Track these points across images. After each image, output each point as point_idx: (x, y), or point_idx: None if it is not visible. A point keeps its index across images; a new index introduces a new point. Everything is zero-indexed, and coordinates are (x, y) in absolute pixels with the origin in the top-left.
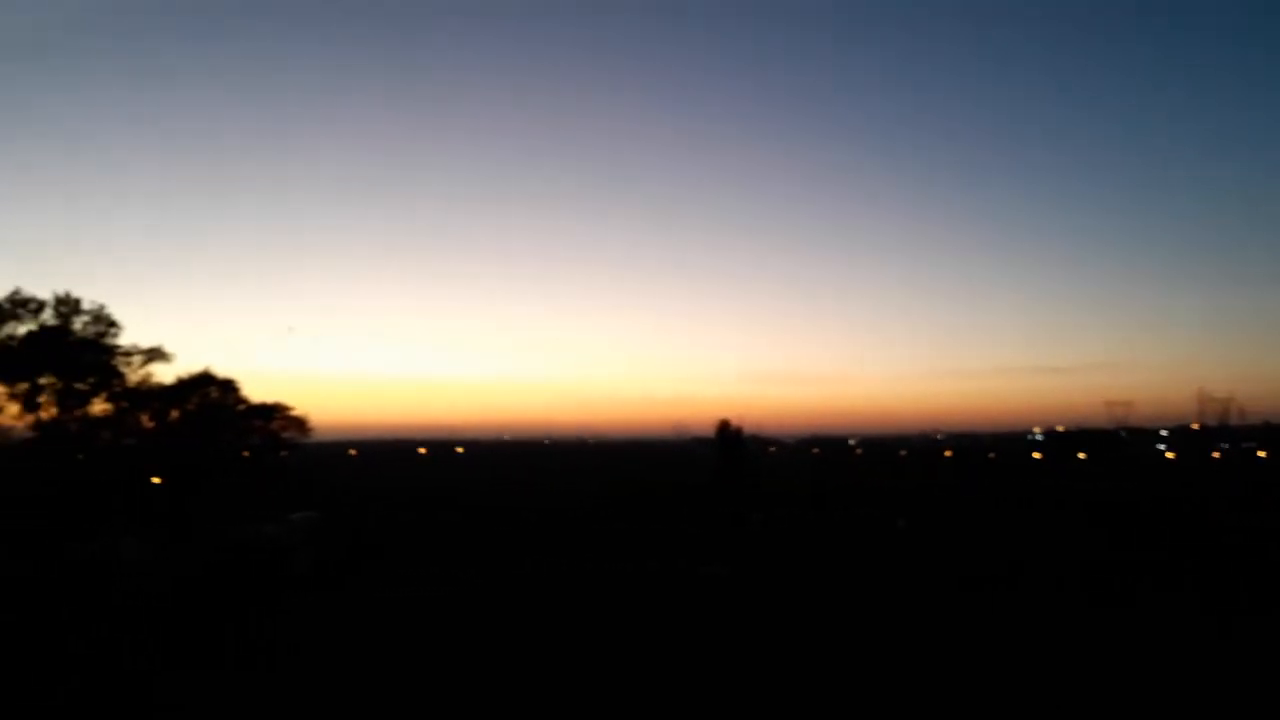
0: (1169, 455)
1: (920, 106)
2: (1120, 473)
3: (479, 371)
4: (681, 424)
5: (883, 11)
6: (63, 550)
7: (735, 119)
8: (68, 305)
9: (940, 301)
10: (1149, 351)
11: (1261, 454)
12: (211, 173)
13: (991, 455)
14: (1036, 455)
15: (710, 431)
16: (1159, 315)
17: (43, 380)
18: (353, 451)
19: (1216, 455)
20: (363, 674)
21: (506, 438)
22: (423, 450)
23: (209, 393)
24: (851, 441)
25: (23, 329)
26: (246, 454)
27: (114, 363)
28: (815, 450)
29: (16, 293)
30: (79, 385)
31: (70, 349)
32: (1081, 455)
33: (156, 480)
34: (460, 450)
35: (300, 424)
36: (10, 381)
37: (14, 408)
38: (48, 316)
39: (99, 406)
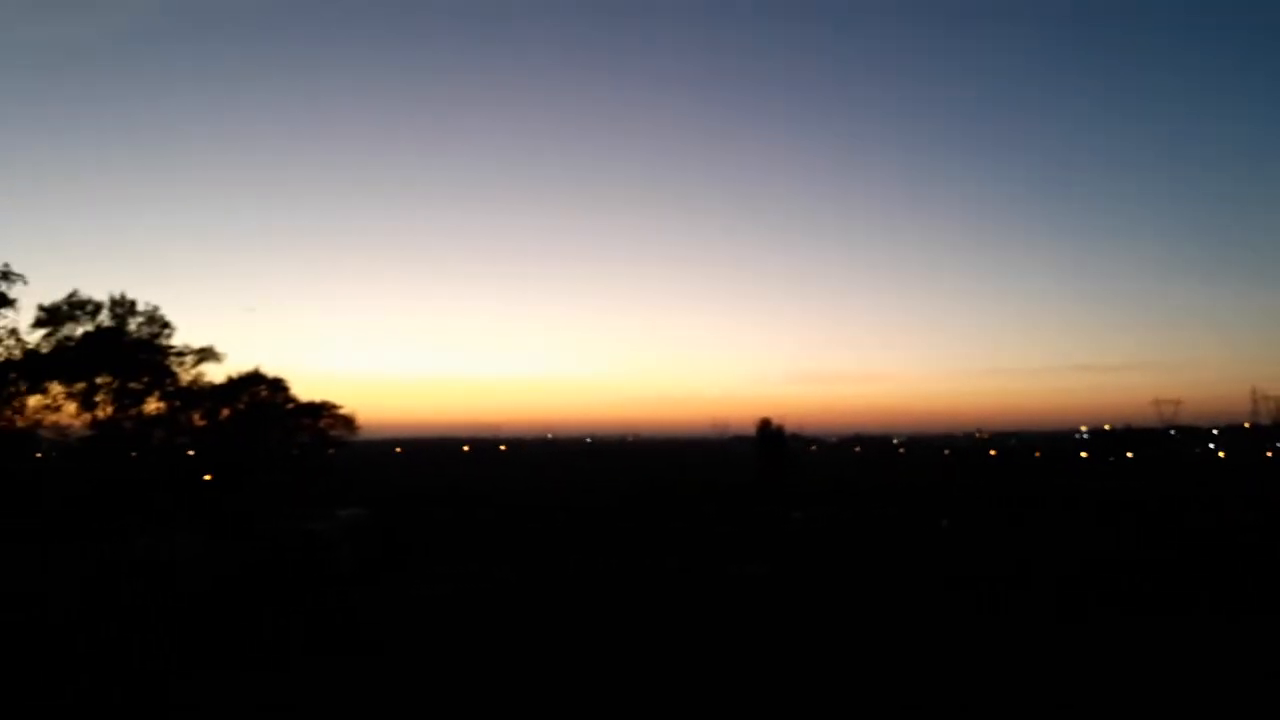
0: (1220, 455)
1: (967, 107)
2: (1165, 472)
3: (523, 370)
4: (722, 422)
5: (928, 12)
6: (117, 548)
7: (780, 120)
8: (123, 307)
9: (986, 299)
10: (1200, 349)
11: None
12: (262, 176)
13: (1037, 454)
14: (1083, 454)
15: (751, 430)
16: (1211, 313)
17: (99, 380)
18: (398, 449)
19: (1269, 455)
20: (401, 670)
21: (549, 436)
22: (466, 448)
23: (259, 391)
24: (895, 440)
25: (80, 330)
26: (295, 451)
27: (167, 363)
28: (857, 449)
29: (74, 295)
30: (134, 385)
31: (125, 349)
32: (1129, 454)
33: (207, 477)
34: (503, 448)
35: (347, 422)
36: (68, 381)
37: (72, 406)
38: (104, 318)
39: (153, 405)
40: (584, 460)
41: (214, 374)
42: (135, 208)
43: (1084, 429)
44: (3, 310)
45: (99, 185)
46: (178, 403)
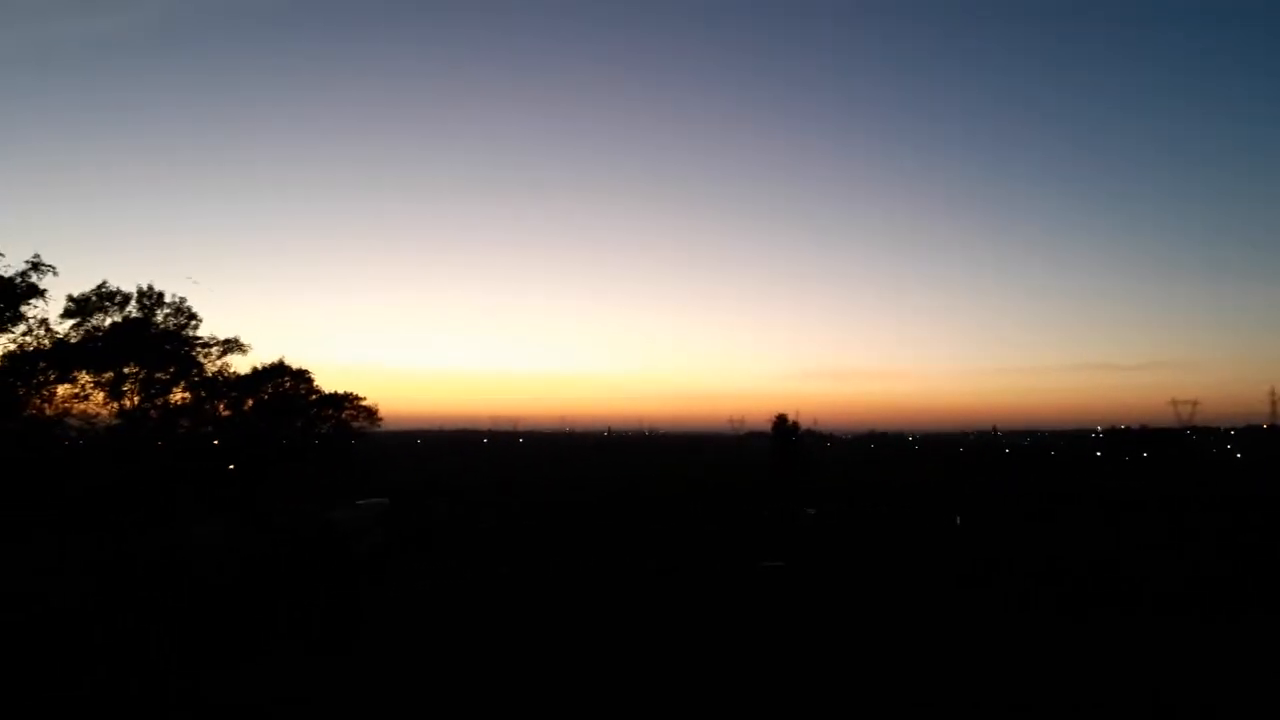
0: (1237, 455)
1: (986, 105)
2: (1180, 472)
3: (543, 364)
4: (739, 419)
5: (945, 10)
6: (141, 537)
7: (800, 120)
8: (150, 298)
9: (1003, 298)
10: (1219, 350)
11: None
12: (287, 171)
13: (1052, 453)
14: (1098, 454)
15: (767, 427)
16: (1230, 314)
17: (127, 370)
18: (419, 441)
19: None
20: (412, 658)
21: (567, 429)
22: (486, 440)
23: (283, 382)
24: (910, 438)
25: (109, 321)
26: (317, 442)
27: (193, 353)
28: (871, 446)
29: (103, 286)
30: (160, 375)
31: (152, 340)
32: (1144, 454)
33: (231, 467)
34: (521, 440)
35: (370, 413)
36: (96, 371)
37: (99, 396)
38: (132, 309)
39: (178, 395)
40: (602, 454)
41: (239, 365)
42: (165, 201)
43: (1099, 428)
44: (33, 300)
45: (130, 179)
46: (203, 393)
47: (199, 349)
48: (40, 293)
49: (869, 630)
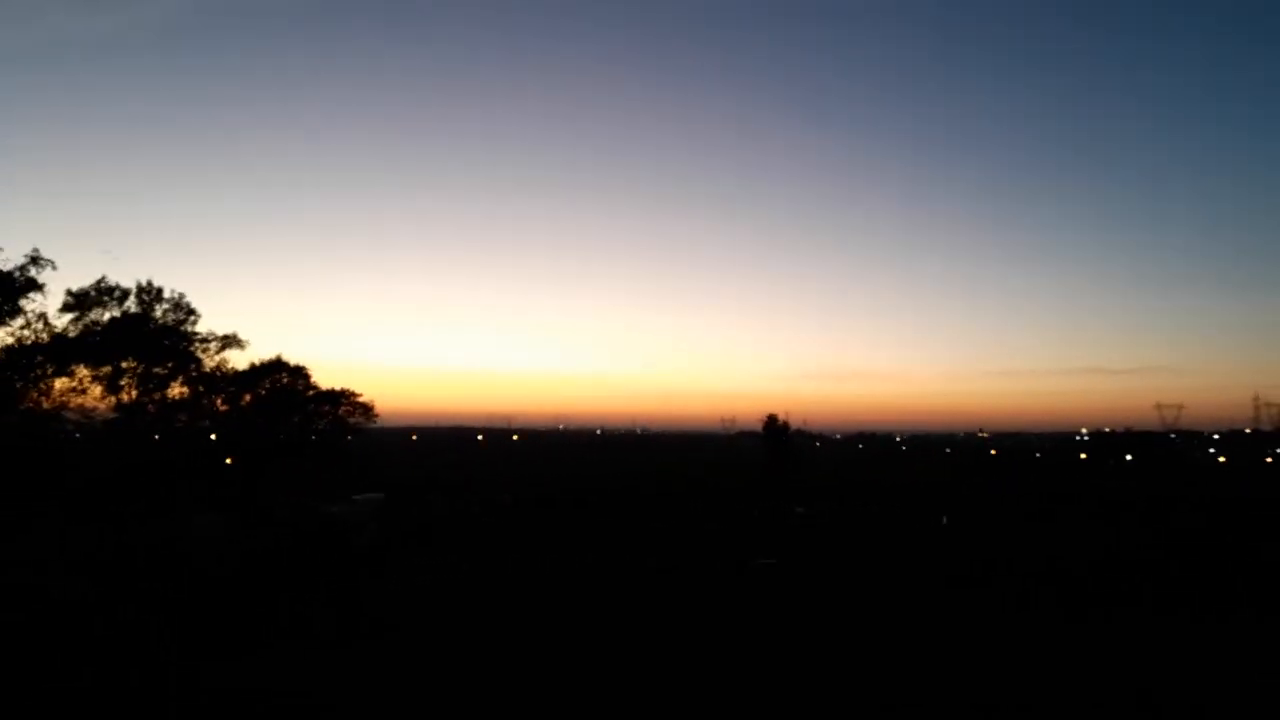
0: (1220, 459)
1: (971, 109)
2: (1162, 475)
3: (537, 363)
4: (731, 418)
5: (943, 14)
6: (138, 530)
7: (791, 121)
8: (149, 293)
9: (992, 301)
10: (1203, 355)
11: None
12: (286, 168)
13: (1038, 455)
14: (1083, 456)
15: (758, 426)
16: (1215, 319)
17: (125, 364)
18: (414, 437)
19: (1269, 460)
20: (415, 651)
21: (561, 427)
22: (480, 438)
23: (280, 378)
24: (898, 439)
25: (107, 315)
26: (314, 437)
27: (191, 348)
28: (860, 446)
29: (102, 281)
30: (158, 370)
31: (151, 335)
32: (1129, 457)
33: (228, 461)
34: (516, 438)
35: (366, 410)
36: (94, 365)
37: (97, 390)
38: (130, 304)
39: (176, 390)
40: (596, 452)
41: (237, 360)
42: (164, 196)
43: (1085, 431)
44: (32, 294)
45: (130, 175)
46: (201, 388)
47: (197, 344)
48: (39, 287)
49: (856, 628)
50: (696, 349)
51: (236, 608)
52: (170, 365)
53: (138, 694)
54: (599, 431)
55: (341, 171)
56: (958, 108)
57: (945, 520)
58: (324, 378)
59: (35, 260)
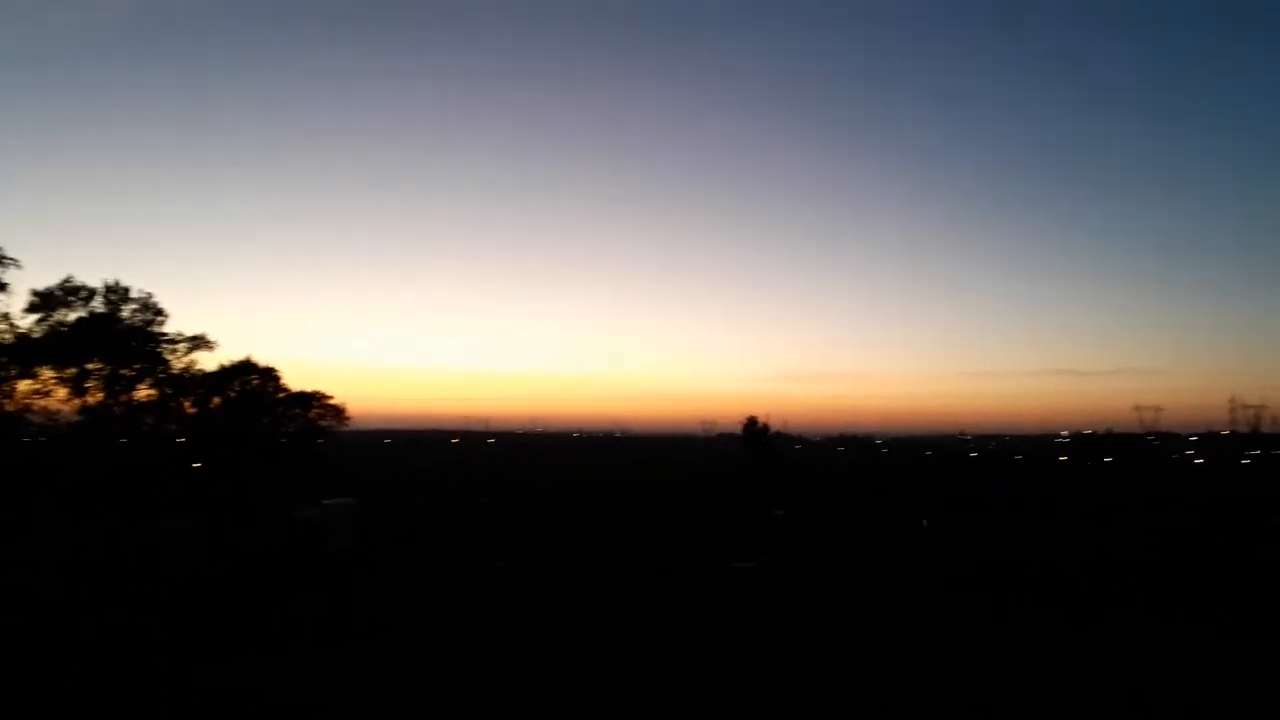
0: (1197, 461)
1: (949, 111)
2: (1140, 477)
3: (513, 365)
4: (710, 420)
5: (913, 13)
6: (109, 532)
7: (767, 121)
8: (117, 293)
9: (970, 303)
10: (1181, 358)
11: None
12: (254, 166)
13: (1018, 457)
14: (1063, 458)
15: (738, 428)
16: (1192, 322)
17: (91, 365)
18: (387, 441)
19: (1246, 462)
20: (384, 661)
21: (538, 429)
22: (456, 441)
23: (250, 380)
24: (878, 441)
25: (73, 316)
26: (284, 440)
27: (159, 350)
28: (840, 449)
29: (68, 280)
30: (125, 371)
31: (118, 336)
32: (1107, 459)
33: (197, 465)
34: (491, 441)
35: (338, 412)
36: (60, 366)
37: (62, 392)
38: (97, 304)
39: (144, 392)
40: (573, 455)
41: (206, 362)
42: (131, 195)
43: (1065, 433)
44: None
45: (95, 173)
46: (169, 390)
47: (165, 345)
48: (3, 286)
49: (836, 628)
50: (676, 350)
51: (216, 610)
52: (138, 367)
53: (129, 693)
54: (577, 434)
55: (313, 170)
56: (934, 111)
57: (925, 523)
58: (295, 379)
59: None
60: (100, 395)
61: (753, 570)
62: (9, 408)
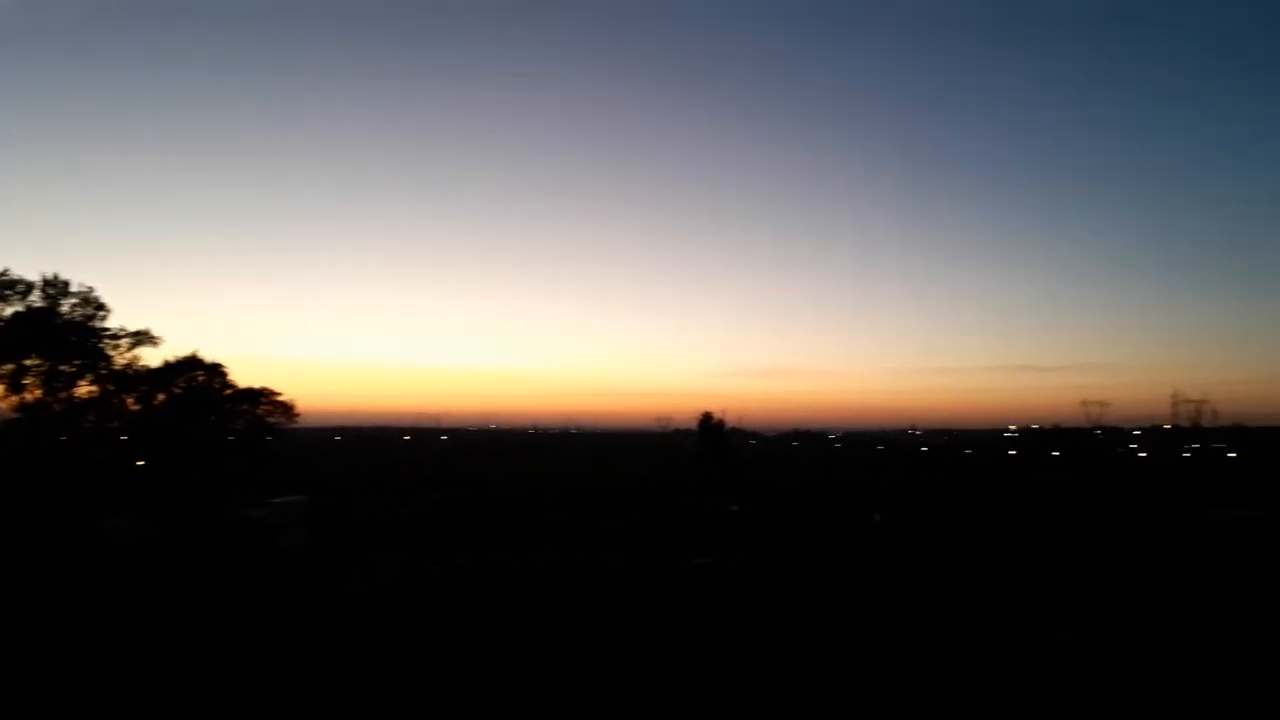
0: (1141, 455)
1: (904, 107)
2: (1086, 471)
3: (466, 360)
4: (665, 416)
5: (869, 9)
6: (50, 532)
7: (720, 116)
8: (55, 287)
9: (922, 300)
10: (1126, 354)
11: (1232, 455)
12: (202, 157)
13: (968, 452)
14: (1012, 452)
15: (694, 424)
16: (1137, 319)
17: (29, 362)
18: (338, 438)
19: (1187, 455)
20: (335, 660)
21: (493, 426)
22: (407, 438)
23: (195, 377)
24: (831, 436)
25: (10, 310)
26: (231, 438)
27: (101, 345)
28: (795, 444)
29: (4, 274)
30: (65, 367)
31: (57, 331)
32: (1055, 453)
33: (141, 463)
34: (445, 438)
35: (287, 409)
36: None
37: None
38: (35, 298)
39: (84, 389)
40: (529, 452)
41: (150, 358)
42: (72, 187)
43: (1013, 427)
44: None
45: (35, 165)
46: (111, 386)
47: (107, 341)
48: None
49: (795, 623)
50: (630, 346)
51: (154, 611)
52: (78, 363)
53: (86, 690)
54: (532, 430)
55: (260, 164)
56: (891, 108)
57: (878, 517)
58: (243, 375)
59: None
60: (39, 392)
61: (712, 566)
62: None
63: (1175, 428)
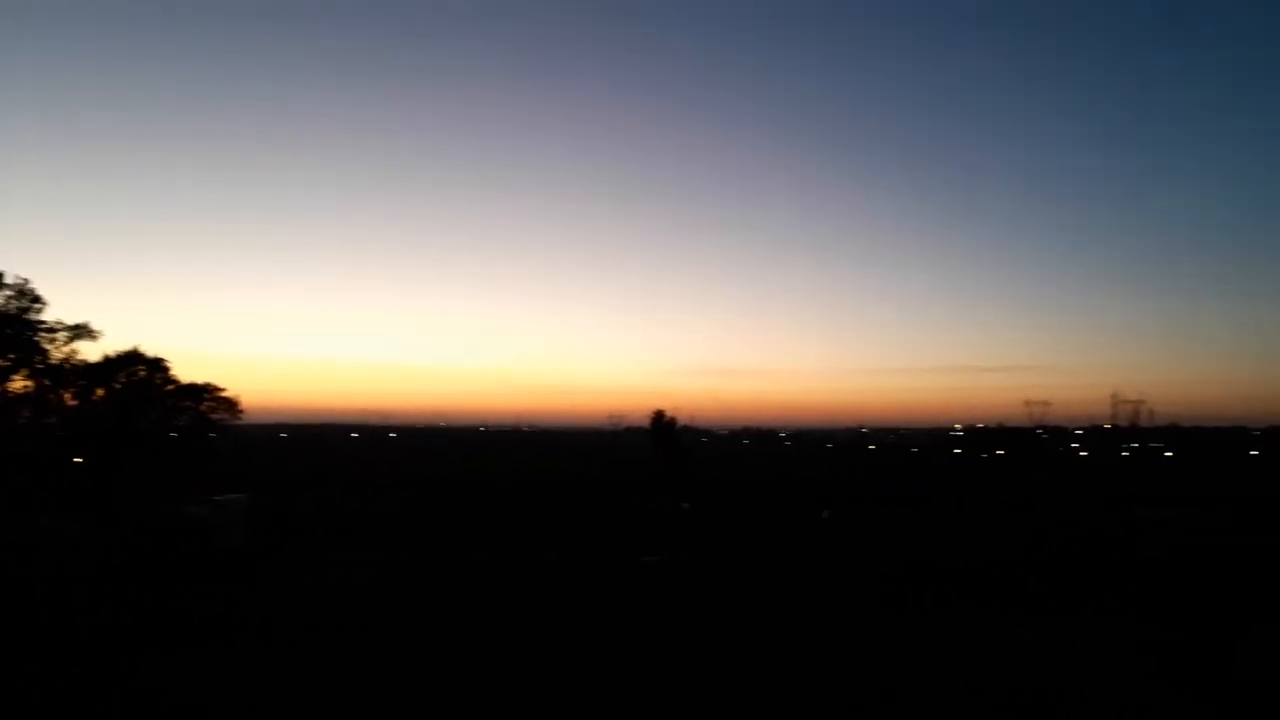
0: (1082, 454)
1: (852, 107)
2: (1030, 469)
3: (415, 357)
4: (617, 414)
5: (823, 11)
6: None
7: (672, 116)
8: None
9: (870, 300)
10: (1067, 355)
11: (1169, 454)
12: (144, 150)
13: (914, 450)
14: (957, 451)
15: (646, 422)
16: (1078, 321)
17: None
18: (283, 435)
19: (1126, 454)
20: (279, 661)
21: (442, 424)
22: (355, 435)
23: (137, 372)
24: (782, 434)
25: None
26: (174, 435)
27: (36, 339)
28: (745, 442)
29: None
30: None
31: None
32: (1000, 451)
33: (79, 460)
34: (393, 435)
35: (230, 405)
36: None
37: None
38: None
39: (19, 383)
40: (479, 449)
41: (89, 352)
42: (8, 179)
43: (959, 426)
44: None
45: None
46: (47, 381)
47: (43, 334)
48: None
49: (740, 620)
50: (582, 345)
51: (86, 611)
52: (12, 356)
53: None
54: (482, 429)
55: (205, 159)
56: (842, 110)
57: (826, 515)
58: (186, 371)
59: None
60: None
61: (659, 564)
62: None
63: (1115, 427)
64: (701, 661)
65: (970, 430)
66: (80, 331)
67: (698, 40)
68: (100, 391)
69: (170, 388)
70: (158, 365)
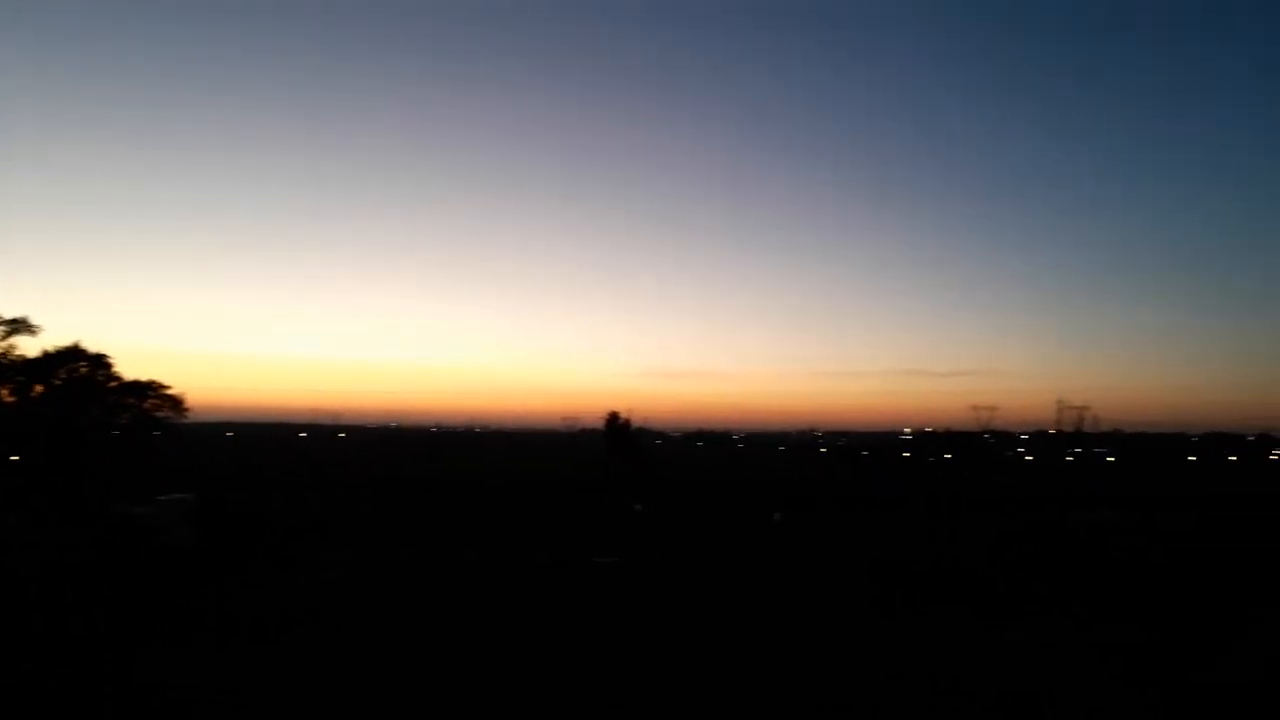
0: (1028, 458)
1: (815, 110)
2: (977, 472)
3: (366, 355)
4: (572, 416)
5: (795, 12)
6: None
7: (628, 119)
8: None
9: (822, 306)
10: (1014, 361)
11: (1111, 459)
12: (86, 141)
13: (864, 453)
14: (906, 454)
15: (601, 424)
16: (1025, 328)
17: None
18: (229, 434)
19: (1070, 459)
20: (231, 665)
21: (393, 424)
22: (304, 435)
23: (78, 368)
24: (735, 437)
25: None
26: (116, 432)
27: None
28: (699, 444)
29: None
30: None
31: None
32: (947, 455)
33: (14, 458)
34: (343, 435)
35: (175, 403)
36: None
37: None
38: None
39: None
40: (432, 449)
41: (28, 347)
42: None
43: (908, 430)
44: None
45: None
46: None
47: None
48: None
49: (689, 621)
50: (537, 346)
51: (19, 615)
52: None
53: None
54: (435, 428)
55: (152, 154)
56: (797, 118)
57: (777, 517)
58: (130, 368)
59: None
60: None
61: (613, 565)
62: None
63: (1060, 432)
64: (661, 667)
65: (919, 434)
66: (18, 326)
67: (649, 42)
68: (39, 388)
69: (113, 384)
70: (100, 361)
